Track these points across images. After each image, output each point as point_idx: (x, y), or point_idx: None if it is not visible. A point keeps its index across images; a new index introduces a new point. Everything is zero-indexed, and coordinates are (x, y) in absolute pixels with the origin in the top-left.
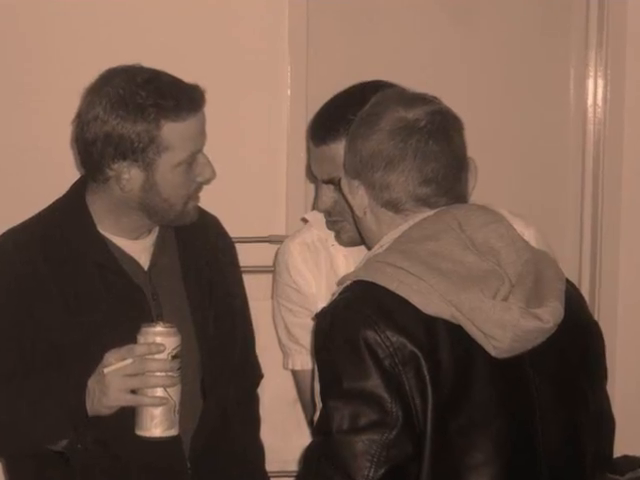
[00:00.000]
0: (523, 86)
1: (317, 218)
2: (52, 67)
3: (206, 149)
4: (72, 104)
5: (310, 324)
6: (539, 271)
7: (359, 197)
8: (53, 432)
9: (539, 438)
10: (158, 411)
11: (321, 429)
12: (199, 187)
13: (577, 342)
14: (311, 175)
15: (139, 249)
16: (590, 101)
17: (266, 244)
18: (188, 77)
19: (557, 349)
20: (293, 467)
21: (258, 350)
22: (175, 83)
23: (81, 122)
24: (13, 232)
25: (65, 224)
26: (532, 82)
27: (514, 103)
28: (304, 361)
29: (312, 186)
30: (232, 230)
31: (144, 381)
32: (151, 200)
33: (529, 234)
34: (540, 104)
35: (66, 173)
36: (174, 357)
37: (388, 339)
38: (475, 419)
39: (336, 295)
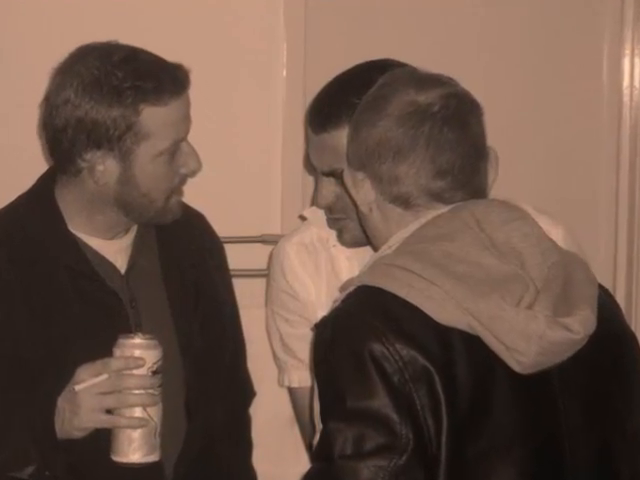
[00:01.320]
0: (549, 66)
1: (317, 215)
2: (16, 42)
3: (191, 137)
4: (39, 85)
5: (309, 335)
6: (568, 275)
7: (364, 191)
8: (18, 458)
9: (567, 463)
10: (137, 434)
11: (321, 454)
12: (183, 180)
13: (611, 355)
14: (310, 167)
15: (115, 250)
16: (626, 82)
17: (259, 245)
18: (170, 56)
19: (588, 363)
20: None
21: (250, 365)
22: (156, 62)
23: (49, 106)
24: None
25: (31, 222)
26: (560, 61)
27: (540, 85)
28: (302, 377)
29: (311, 179)
30: (220, 229)
31: (121, 399)
32: (129, 195)
33: (557, 233)
34: (569, 85)
35: (32, 164)
36: (155, 372)
37: (397, 352)
38: (496, 442)
39: (338, 302)
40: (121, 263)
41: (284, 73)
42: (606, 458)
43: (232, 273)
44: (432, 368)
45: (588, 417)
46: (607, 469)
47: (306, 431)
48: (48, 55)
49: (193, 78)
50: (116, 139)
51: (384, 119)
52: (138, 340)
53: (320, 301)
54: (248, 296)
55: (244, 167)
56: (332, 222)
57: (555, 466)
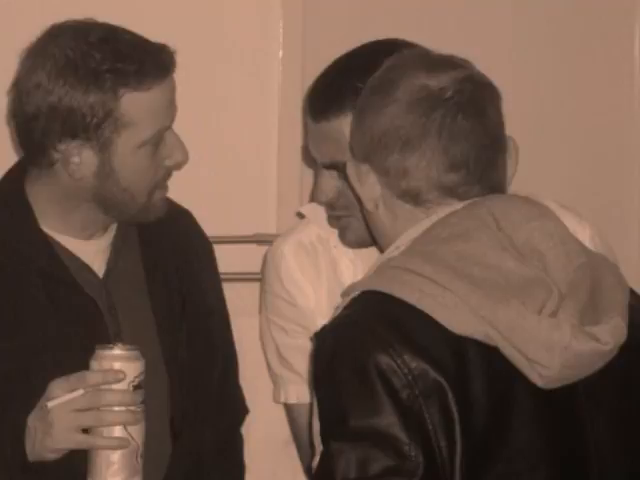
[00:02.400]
0: (575, 47)
1: (316, 212)
2: None
3: (177, 126)
4: (7, 69)
5: (307, 346)
6: (596, 279)
7: (369, 186)
8: None
9: None
10: (116, 455)
11: (322, 478)
12: (168, 173)
13: None
14: (309, 159)
15: (93, 252)
16: None
17: (252, 245)
18: (155, 36)
19: (618, 377)
20: None
21: (242, 379)
22: (138, 42)
23: (20, 92)
24: None
25: None
26: (587, 41)
27: (564, 68)
28: (300, 393)
29: (310, 172)
30: (209, 228)
31: (99, 417)
32: (108, 190)
33: (583, 232)
34: (596, 68)
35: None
36: (136, 387)
37: (406, 365)
38: (516, 466)
39: (340, 309)
40: (99, 266)
41: (280, 54)
42: None
43: (222, 277)
44: (445, 382)
45: (619, 438)
46: None
47: (304, 453)
48: (17, 35)
49: (180, 61)
50: (93, 128)
51: (391, 105)
52: (118, 351)
53: (320, 308)
54: (240, 303)
55: (235, 159)
56: (333, 220)
57: None
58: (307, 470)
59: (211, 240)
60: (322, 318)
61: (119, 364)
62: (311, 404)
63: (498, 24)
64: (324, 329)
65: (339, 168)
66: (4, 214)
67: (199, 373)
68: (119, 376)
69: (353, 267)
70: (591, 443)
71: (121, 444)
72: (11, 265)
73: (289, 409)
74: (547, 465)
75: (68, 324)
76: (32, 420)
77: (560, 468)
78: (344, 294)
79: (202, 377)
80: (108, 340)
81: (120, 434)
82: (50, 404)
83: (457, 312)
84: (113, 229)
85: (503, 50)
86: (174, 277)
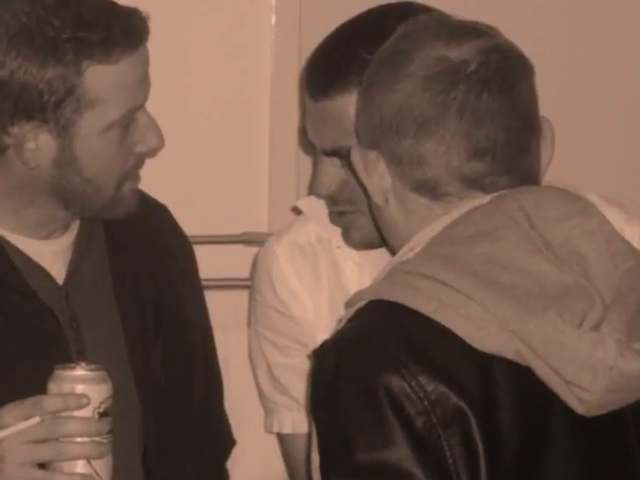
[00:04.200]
0: (620, 16)
1: (316, 208)
2: None
3: (152, 108)
4: None
5: (305, 366)
6: None
7: (378, 176)
8: None
9: None
10: None
11: None
12: (139, 161)
13: None
14: (307, 144)
15: (51, 254)
16: None
17: (240, 246)
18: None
19: None
20: None
21: (228, 404)
22: (103, 7)
23: None
24: None
25: None
26: (634, 15)
27: (607, 38)
28: (296, 421)
29: (308, 160)
30: (189, 226)
31: (58, 450)
32: (69, 181)
33: (632, 232)
34: None
35: None
36: (102, 414)
37: (422, 388)
38: None
39: (344, 322)
40: (58, 271)
41: (273, 20)
42: None
43: (205, 284)
44: (468, 409)
45: None
46: None
47: None
48: None
49: (157, 30)
50: (52, 107)
51: (405, 81)
52: (80, 372)
53: (320, 320)
54: (226, 314)
55: (219, 145)
56: (336, 217)
57: None
58: None
59: (191, 240)
60: (322, 332)
61: (82, 387)
62: (309, 434)
63: None
64: (325, 345)
65: (342, 155)
66: None
67: (177, 397)
68: (82, 401)
69: (359, 272)
70: None
71: None
72: None
73: (283, 440)
74: None
75: (21, 339)
76: None
77: None
78: (348, 304)
79: (180, 402)
80: (69, 359)
81: (83, 470)
82: (1, 434)
83: (482, 325)
84: (75, 227)
85: (534, 16)
86: (147, 284)
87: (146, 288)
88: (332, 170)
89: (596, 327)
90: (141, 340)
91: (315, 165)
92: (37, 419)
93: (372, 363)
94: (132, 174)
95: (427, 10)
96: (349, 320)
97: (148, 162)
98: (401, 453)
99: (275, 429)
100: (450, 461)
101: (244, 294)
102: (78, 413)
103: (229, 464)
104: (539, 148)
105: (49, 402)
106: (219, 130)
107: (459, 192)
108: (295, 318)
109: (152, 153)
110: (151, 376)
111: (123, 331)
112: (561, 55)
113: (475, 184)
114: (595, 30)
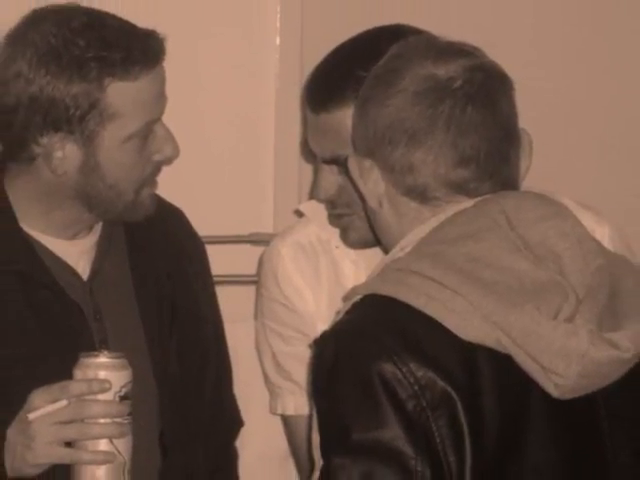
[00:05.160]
0: (599, 35)
1: (316, 211)
2: None
3: (167, 120)
4: None
5: (306, 354)
6: (615, 282)
7: (373, 182)
8: None
9: None
10: (102, 471)
11: None
12: (157, 169)
13: None
14: (308, 153)
15: (76, 252)
16: None
17: (247, 246)
18: (145, 23)
19: (639, 388)
20: None
21: (237, 389)
22: (124, 29)
23: None
24: None
25: None
26: (612, 32)
27: (584, 55)
28: (298, 404)
29: (309, 168)
30: (201, 227)
31: (83, 430)
32: (92, 186)
33: (602, 232)
34: (617, 58)
35: None
36: (123, 398)
37: (412, 374)
38: None
39: (342, 314)
40: (83, 268)
41: (277, 41)
42: None
43: (215, 280)
44: (454, 393)
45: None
46: None
47: (303, 468)
48: None
49: (171, 50)
50: (77, 120)
51: (396, 96)
52: (103, 359)
53: (320, 313)
54: (234, 307)
55: (229, 153)
56: (334, 219)
57: None
58: None
59: (203, 240)
60: (322, 324)
61: (104, 373)
62: (310, 416)
63: (510, 11)
64: (324, 335)
65: (340, 163)
66: None
67: (190, 384)
68: (104, 386)
69: (355, 269)
70: (610, 459)
71: (107, 458)
72: None
73: (287, 421)
74: None
75: (50, 330)
76: (12, 433)
77: None
78: (346, 298)
79: (194, 388)
80: (93, 347)
81: (106, 448)
82: (31, 416)
83: (467, 318)
84: (98, 229)
85: (514, 37)
86: (165, 283)
87: (164, 287)
88: (331, 177)
89: (570, 319)
90: (158, 332)
91: (315, 172)
92: (64, 402)
93: (367, 352)
94: (150, 180)
95: (417, 32)
96: (346, 312)
97: (166, 170)
98: (393, 433)
99: (279, 411)
100: (438, 440)
101: (251, 289)
102: (101, 396)
103: (238, 443)
104: (518, 157)
105: (75, 387)
106: (229, 141)
107: (446, 197)
108: (298, 311)
109: (168, 162)
110: (167, 366)
111: (142, 323)
112: (538, 73)
113: (460, 189)
114: (570, 51)
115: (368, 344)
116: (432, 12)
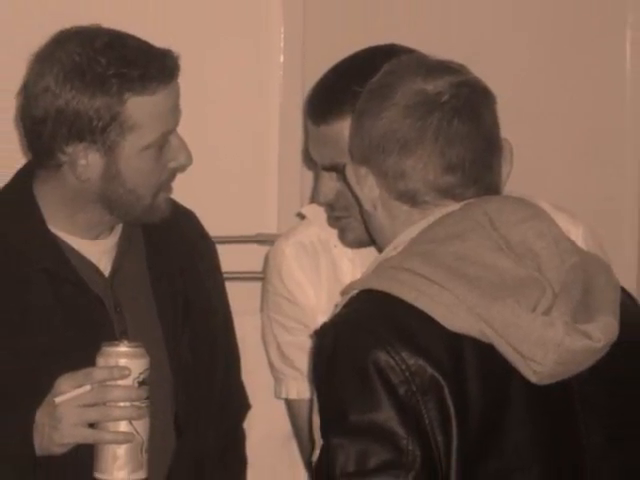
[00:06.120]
0: (568, 52)
1: (316, 213)
2: None
3: (180, 129)
4: (16, 73)
5: (308, 343)
6: (588, 278)
7: (368, 188)
8: None
9: None
10: (122, 450)
11: (322, 472)
12: (172, 175)
13: (635, 367)
14: (309, 161)
15: (99, 251)
16: None
17: (254, 245)
18: (158, 41)
19: (610, 375)
20: None
21: (244, 375)
22: (142, 48)
23: (28, 95)
24: None
25: (7, 221)
26: (579, 47)
27: (558, 72)
28: (301, 389)
29: (310, 174)
30: (212, 228)
31: (105, 412)
32: (113, 191)
33: (576, 233)
34: (589, 73)
35: (9, 158)
36: (141, 383)
37: (403, 362)
38: (510, 462)
39: (340, 307)
40: (105, 265)
41: (281, 59)
42: None
43: (225, 276)
44: (442, 379)
45: (611, 436)
46: None
47: (305, 447)
48: (26, 40)
49: (184, 66)
50: (99, 131)
51: (389, 109)
52: (123, 348)
53: (320, 306)
54: (242, 301)
55: (237, 161)
56: (333, 221)
57: None
58: (307, 464)
59: (214, 240)
60: (322, 316)
61: (124, 361)
62: (311, 400)
63: (495, 28)
64: (324, 327)
65: (339, 170)
66: (11, 215)
67: (202, 371)
68: (124, 372)
69: (352, 266)
70: (584, 440)
71: (127, 438)
72: (18, 265)
73: (290, 404)
74: (541, 463)
75: (74, 322)
76: (40, 416)
77: (554, 465)
78: (343, 293)
79: (205, 375)
80: (114, 337)
81: (125, 429)
82: (58, 400)
83: (454, 311)
84: (119, 230)
85: (499, 53)
86: (178, 279)
87: (178, 283)
88: (330, 182)
89: (547, 312)
90: (173, 324)
91: (316, 178)
92: (87, 387)
93: (363, 342)
94: (166, 186)
95: (408, 51)
96: (344, 306)
97: (180, 177)
98: (387, 415)
99: (283, 395)
100: (427, 422)
101: (257, 285)
102: (121, 382)
103: (245, 424)
104: (500, 164)
105: (97, 373)
106: (237, 150)
107: (434, 200)
108: (300, 304)
109: (182, 169)
110: (181, 355)
111: (158, 317)
112: (519, 88)
113: (448, 194)
114: (545, 67)
115: (364, 335)
116: (425, 32)
